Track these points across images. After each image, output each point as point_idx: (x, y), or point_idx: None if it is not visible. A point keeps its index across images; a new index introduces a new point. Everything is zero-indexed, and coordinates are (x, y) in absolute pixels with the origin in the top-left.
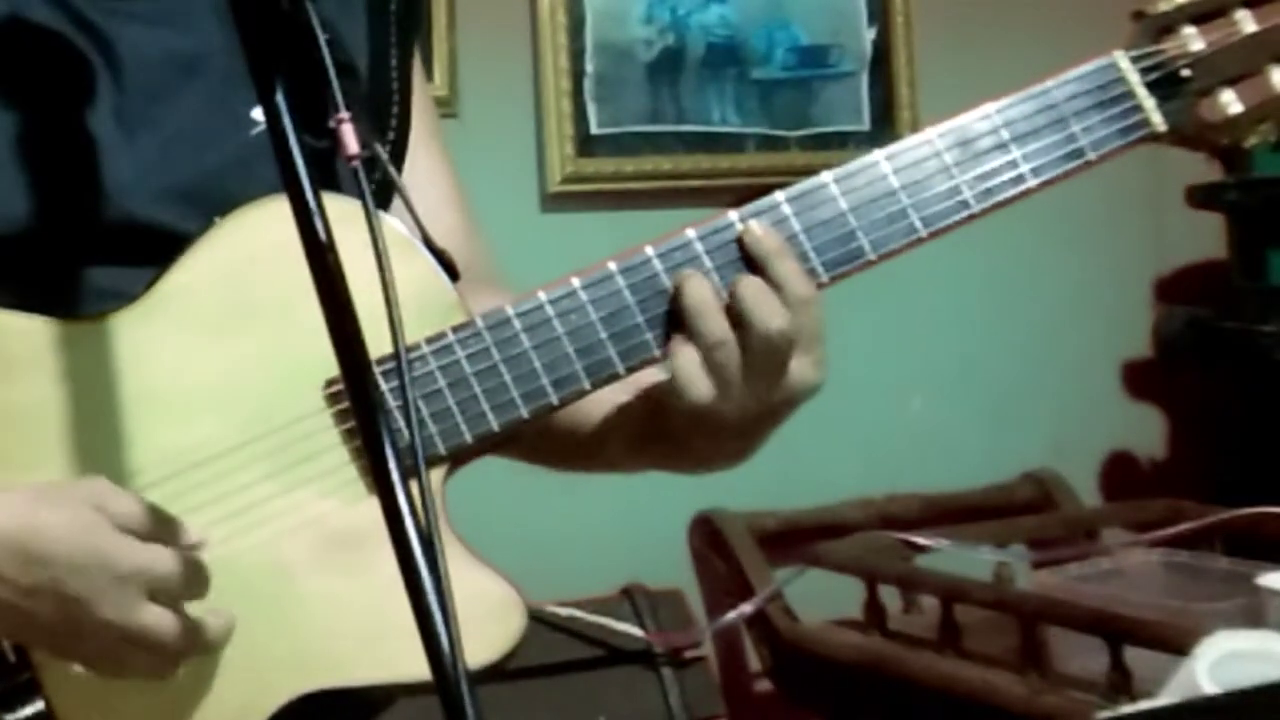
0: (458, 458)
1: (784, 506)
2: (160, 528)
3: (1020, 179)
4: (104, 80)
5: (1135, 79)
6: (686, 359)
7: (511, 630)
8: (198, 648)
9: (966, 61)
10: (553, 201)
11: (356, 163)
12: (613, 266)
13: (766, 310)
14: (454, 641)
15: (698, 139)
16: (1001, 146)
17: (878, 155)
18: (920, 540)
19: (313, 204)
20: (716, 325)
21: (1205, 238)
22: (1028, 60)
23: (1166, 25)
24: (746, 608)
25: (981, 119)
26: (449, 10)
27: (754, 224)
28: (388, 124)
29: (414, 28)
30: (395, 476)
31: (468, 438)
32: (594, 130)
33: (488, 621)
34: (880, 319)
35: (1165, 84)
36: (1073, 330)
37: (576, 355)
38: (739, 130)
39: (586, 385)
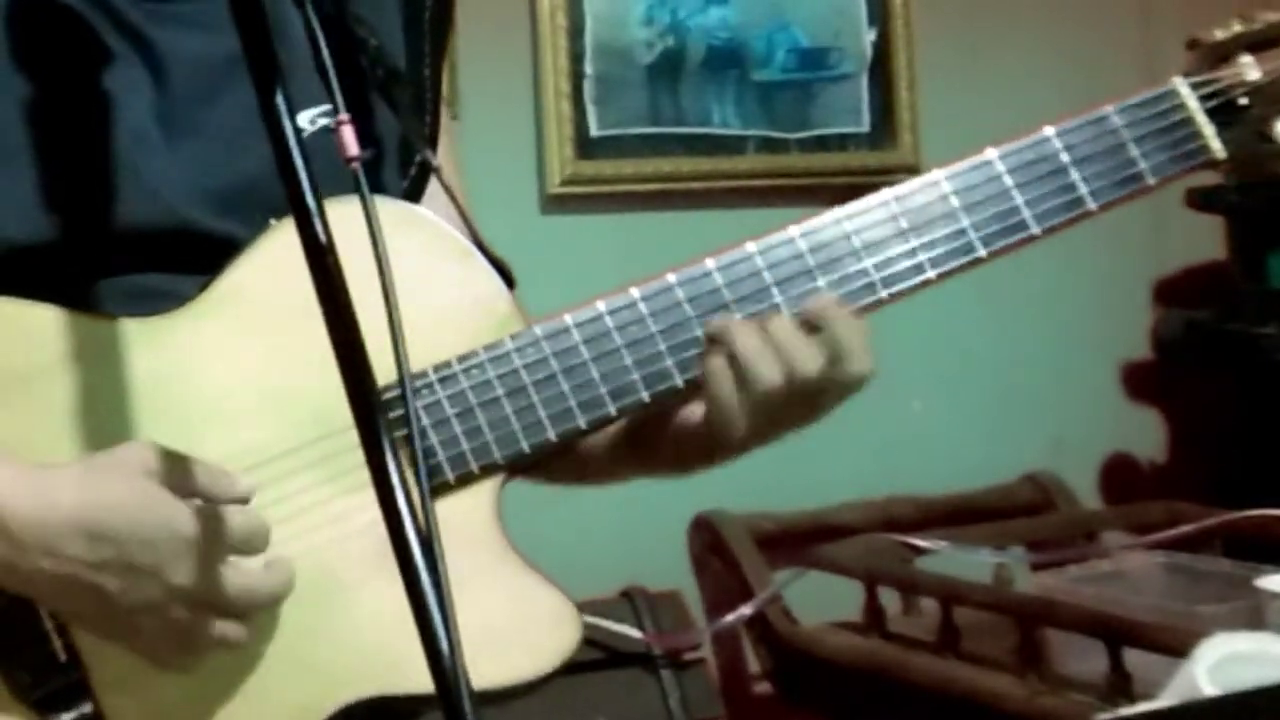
0: (514, 467)
1: (783, 508)
2: (213, 483)
3: (1080, 201)
4: (145, 83)
5: (1195, 105)
6: (728, 396)
7: (567, 641)
8: (265, 601)
9: (966, 64)
10: (553, 203)
11: (357, 165)
12: (672, 278)
13: (804, 356)
14: (454, 644)
15: (698, 141)
16: (1061, 170)
17: (938, 175)
18: (919, 542)
19: (313, 206)
20: (768, 370)
21: (1205, 240)
22: (1027, 62)
23: (1223, 53)
24: (746, 610)
25: (1042, 142)
26: None
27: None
28: (423, 129)
29: (446, 34)
30: (395, 481)
31: (525, 447)
32: (594, 132)
33: (543, 632)
34: (879, 321)
35: (1224, 111)
36: (1072, 332)
37: (635, 366)
38: (739, 132)
39: (645, 397)
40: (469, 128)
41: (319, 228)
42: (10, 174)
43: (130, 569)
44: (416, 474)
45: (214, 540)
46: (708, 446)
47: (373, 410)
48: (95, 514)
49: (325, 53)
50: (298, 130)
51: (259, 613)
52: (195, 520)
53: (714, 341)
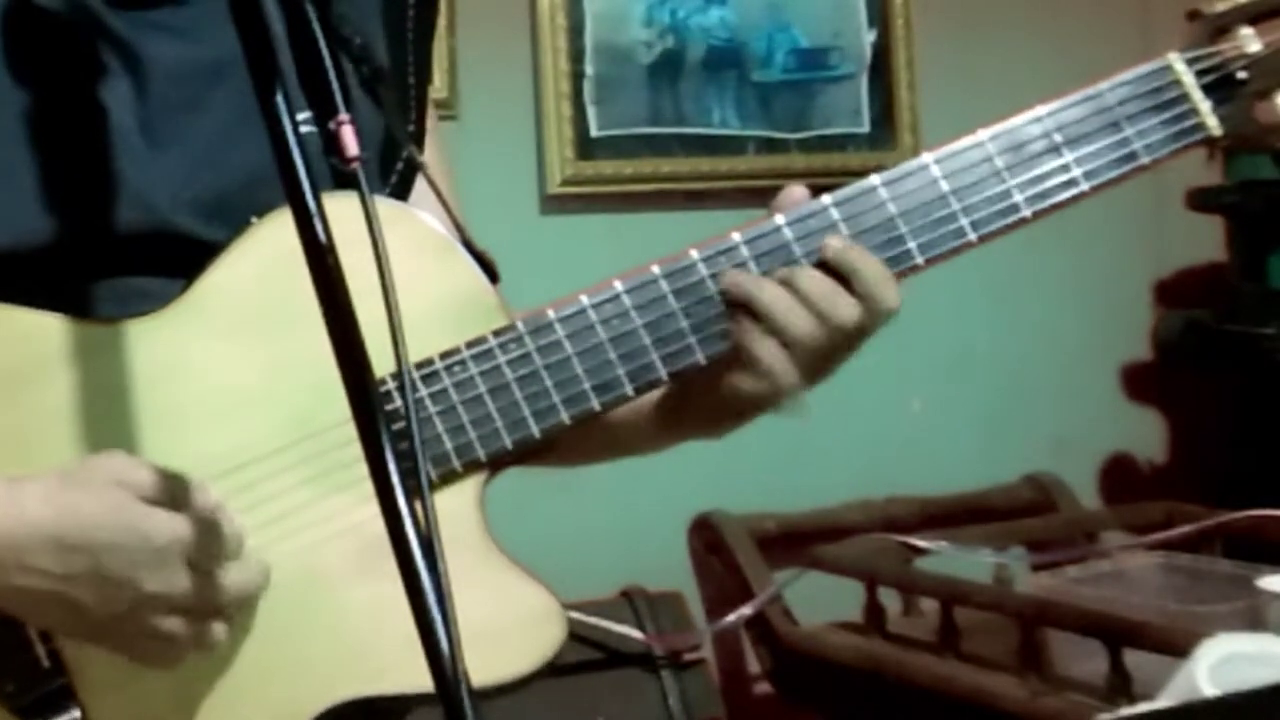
0: (497, 464)
1: (783, 509)
2: (183, 491)
3: (1073, 182)
4: (127, 89)
5: (1190, 81)
6: (773, 354)
7: (552, 639)
8: (241, 602)
9: (966, 63)
10: (552, 203)
11: (357, 165)
12: (656, 270)
13: (843, 309)
14: (454, 644)
15: (697, 141)
16: (1054, 150)
17: (927, 158)
18: (920, 543)
19: (313, 206)
20: (803, 321)
21: (1205, 240)
22: (1027, 62)
23: (1222, 25)
24: (746, 610)
25: (1033, 122)
26: (449, 12)
27: (834, 240)
28: (407, 129)
29: (429, 34)
30: (395, 478)
31: (508, 443)
32: (594, 132)
33: (529, 630)
34: None
35: (1221, 86)
36: (1072, 333)
37: (619, 360)
38: (739, 133)
39: (629, 391)
40: (469, 128)
41: (319, 228)
42: (3, 178)
43: (103, 579)
44: (415, 472)
45: (186, 546)
46: (747, 408)
47: (373, 410)
48: (65, 525)
49: (325, 53)
50: (297, 129)
51: (241, 612)
52: (167, 527)
53: (734, 304)
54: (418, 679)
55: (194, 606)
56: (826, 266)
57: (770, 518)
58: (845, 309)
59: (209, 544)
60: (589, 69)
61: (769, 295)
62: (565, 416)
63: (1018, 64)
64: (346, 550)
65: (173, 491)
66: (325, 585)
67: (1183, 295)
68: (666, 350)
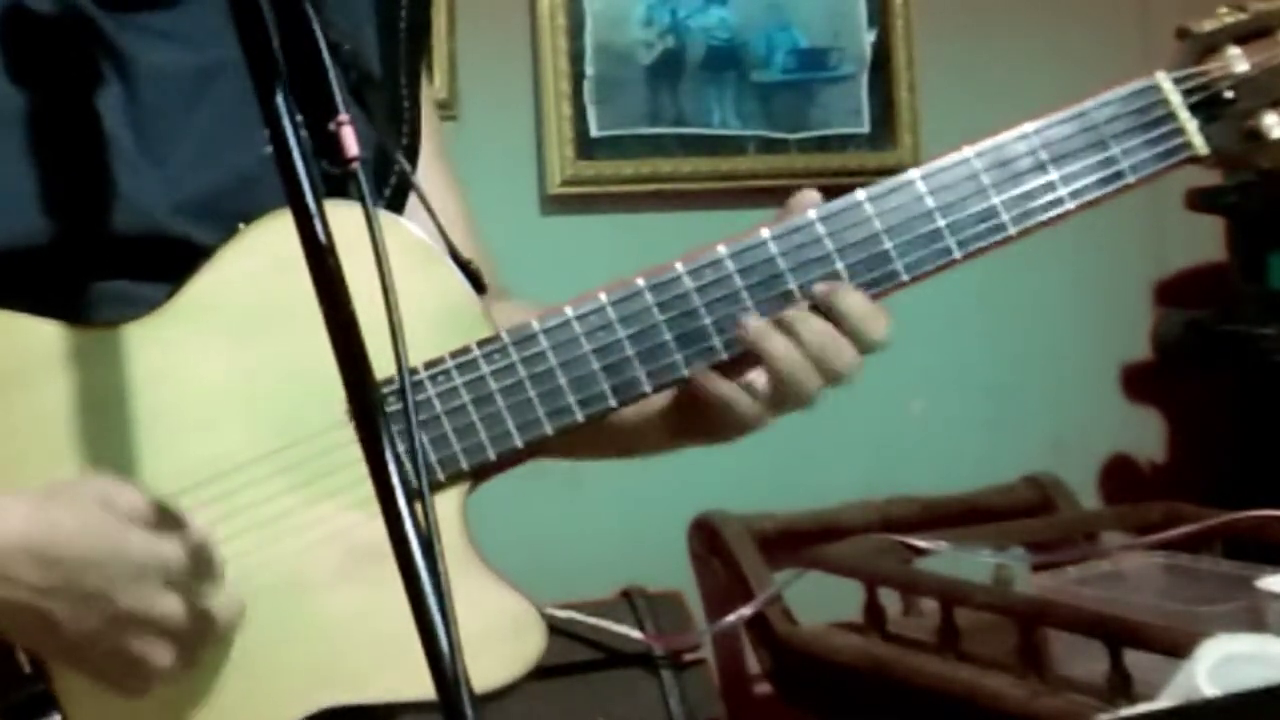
0: (480, 474)
1: (783, 509)
2: (168, 517)
3: (1059, 201)
4: (119, 94)
5: (1177, 100)
6: (768, 391)
7: (532, 648)
8: (215, 632)
9: (966, 64)
10: (552, 204)
11: (356, 165)
12: (641, 283)
13: (840, 358)
14: (454, 644)
15: (697, 141)
16: (1040, 167)
17: (913, 174)
18: (920, 543)
19: (313, 207)
20: (803, 369)
21: (1205, 241)
22: (1027, 63)
23: (1210, 45)
24: (746, 610)
25: (1020, 139)
26: (449, 13)
27: (820, 286)
28: (400, 136)
29: (423, 39)
30: (395, 480)
31: (491, 455)
32: (594, 133)
33: (509, 639)
34: None
35: (1208, 106)
36: (1072, 333)
37: (603, 374)
38: (739, 133)
39: (613, 404)
40: (469, 128)
41: (319, 228)
42: None
43: (79, 594)
44: (417, 473)
45: (165, 567)
46: (740, 427)
47: (374, 410)
48: (44, 539)
49: (325, 54)
50: (297, 130)
51: (210, 643)
52: (146, 546)
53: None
54: (399, 686)
55: (169, 629)
56: (818, 306)
57: (770, 518)
58: (842, 358)
59: (190, 568)
60: (589, 69)
61: (777, 347)
62: (549, 428)
63: (1018, 64)
64: (330, 557)
65: (158, 516)
66: (308, 592)
67: (1183, 295)
68: (651, 364)
